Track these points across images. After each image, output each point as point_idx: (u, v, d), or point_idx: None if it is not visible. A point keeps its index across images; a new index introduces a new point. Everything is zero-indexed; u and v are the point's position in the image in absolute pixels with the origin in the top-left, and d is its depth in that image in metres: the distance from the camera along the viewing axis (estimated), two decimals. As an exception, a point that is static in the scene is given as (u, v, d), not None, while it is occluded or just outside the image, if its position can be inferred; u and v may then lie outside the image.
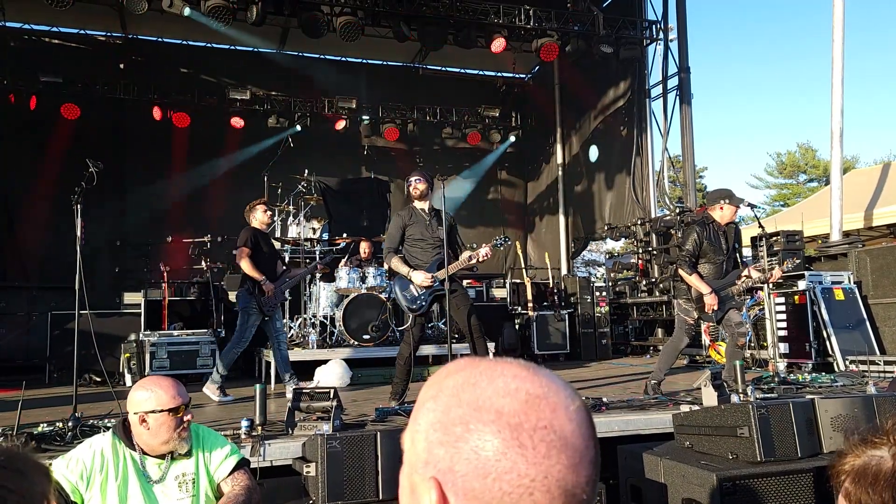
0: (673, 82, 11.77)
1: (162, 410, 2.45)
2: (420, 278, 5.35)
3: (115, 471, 2.46)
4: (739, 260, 5.86)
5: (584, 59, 12.10)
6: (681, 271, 5.68)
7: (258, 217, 6.48)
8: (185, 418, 2.52)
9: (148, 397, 2.47)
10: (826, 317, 7.61)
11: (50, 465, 2.49)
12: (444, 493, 0.69)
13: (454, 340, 5.89)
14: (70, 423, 4.08)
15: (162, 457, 2.53)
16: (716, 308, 5.49)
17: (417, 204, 5.63)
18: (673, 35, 11.76)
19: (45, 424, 4.18)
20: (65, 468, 2.44)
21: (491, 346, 7.02)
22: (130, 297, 9.35)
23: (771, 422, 3.45)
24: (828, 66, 9.54)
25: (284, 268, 6.80)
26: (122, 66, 12.52)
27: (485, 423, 0.69)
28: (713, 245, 5.65)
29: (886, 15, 47.50)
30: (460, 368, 0.75)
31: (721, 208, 5.70)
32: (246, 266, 6.21)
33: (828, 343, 7.55)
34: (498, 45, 10.64)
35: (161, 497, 2.50)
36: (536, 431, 0.68)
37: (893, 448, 0.98)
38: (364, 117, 13.56)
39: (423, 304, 5.44)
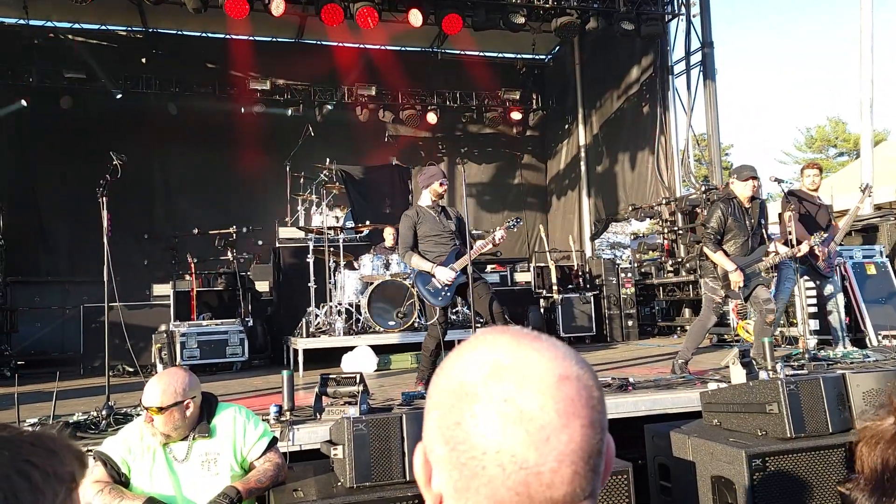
0: (696, 58, 11.57)
1: (147, 408, 2.66)
2: (443, 274, 5.32)
3: (144, 450, 2.70)
4: (766, 235, 5.77)
5: (604, 37, 11.93)
6: (705, 249, 5.62)
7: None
8: (164, 415, 2.63)
9: (144, 392, 2.69)
10: (857, 291, 7.47)
11: (95, 448, 2.75)
12: (427, 459, 0.73)
13: (478, 325, 5.91)
14: (104, 412, 4.18)
15: (185, 438, 2.73)
16: (742, 285, 5.43)
17: (423, 202, 5.61)
18: (695, 10, 11.54)
19: (80, 413, 4.30)
20: (114, 444, 2.73)
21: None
22: (159, 289, 9.49)
23: (801, 397, 3.41)
24: (857, 36, 9.29)
25: None
26: (143, 60, 12.64)
27: (447, 392, 0.70)
28: (738, 222, 5.56)
29: (917, -18, 46.01)
30: (469, 339, 0.77)
31: (731, 183, 5.64)
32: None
33: (859, 318, 7.42)
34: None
35: (183, 475, 2.69)
36: (493, 403, 0.66)
37: None
38: (384, 104, 13.55)
39: (448, 295, 5.43)
